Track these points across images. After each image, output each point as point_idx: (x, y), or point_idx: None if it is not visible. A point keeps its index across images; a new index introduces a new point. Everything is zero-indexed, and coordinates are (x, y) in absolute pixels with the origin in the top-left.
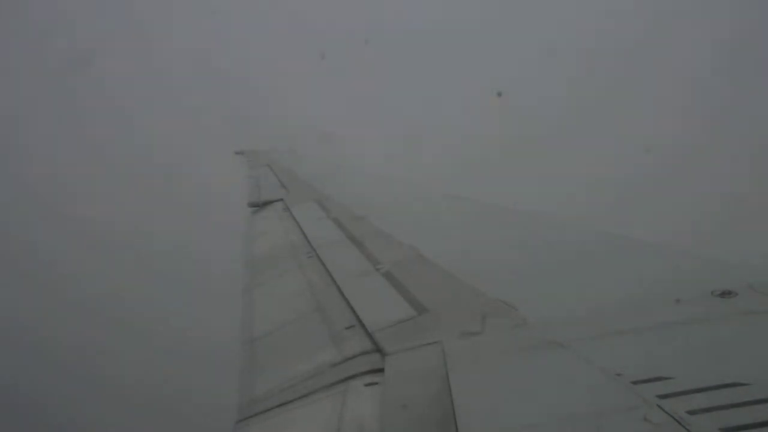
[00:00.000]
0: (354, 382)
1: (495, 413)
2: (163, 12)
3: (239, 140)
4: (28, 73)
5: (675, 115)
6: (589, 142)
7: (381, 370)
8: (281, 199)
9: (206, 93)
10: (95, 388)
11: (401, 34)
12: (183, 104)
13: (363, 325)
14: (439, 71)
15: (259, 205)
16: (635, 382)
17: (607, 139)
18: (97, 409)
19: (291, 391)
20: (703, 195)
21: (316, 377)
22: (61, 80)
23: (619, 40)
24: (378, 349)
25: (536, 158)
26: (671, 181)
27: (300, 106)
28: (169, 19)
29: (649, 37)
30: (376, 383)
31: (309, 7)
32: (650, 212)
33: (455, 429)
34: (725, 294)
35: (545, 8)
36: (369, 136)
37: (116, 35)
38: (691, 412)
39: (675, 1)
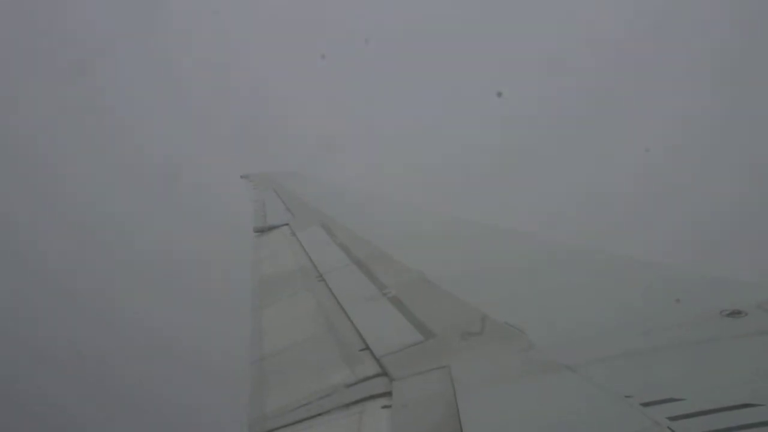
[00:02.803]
0: (370, 403)
1: None
2: (161, 11)
3: (238, 141)
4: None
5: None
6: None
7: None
8: (287, 224)
9: (206, 93)
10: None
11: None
12: (181, 106)
13: (370, 351)
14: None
15: (264, 230)
16: (645, 404)
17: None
18: None
19: (303, 409)
20: (706, 206)
21: (328, 397)
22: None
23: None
24: (386, 374)
25: (539, 168)
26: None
27: (300, 106)
28: (168, 18)
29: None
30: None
31: (309, 6)
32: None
33: None
34: (734, 314)
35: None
36: (368, 138)
37: (113, 38)
38: None
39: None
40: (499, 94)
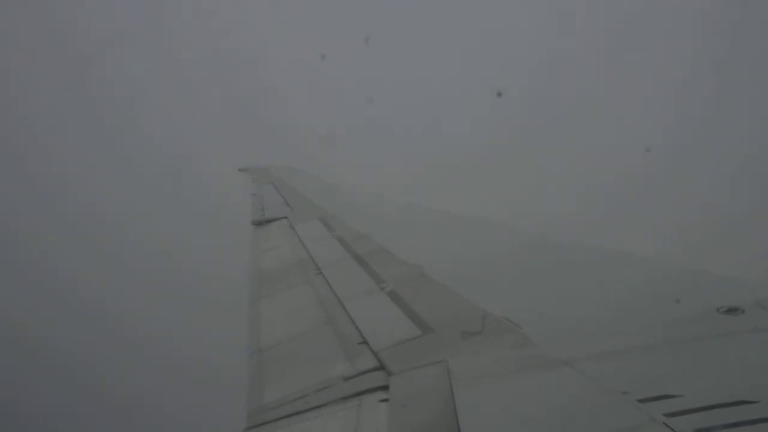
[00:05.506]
0: (368, 397)
1: None
2: (160, 11)
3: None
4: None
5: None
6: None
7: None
8: (285, 217)
9: (206, 88)
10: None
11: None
12: (180, 100)
13: (368, 344)
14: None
15: (262, 223)
16: (642, 401)
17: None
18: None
19: (301, 402)
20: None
21: (326, 390)
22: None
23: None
24: (384, 368)
25: (539, 166)
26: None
27: (300, 106)
28: (168, 15)
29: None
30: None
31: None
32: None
33: None
34: (732, 311)
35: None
36: (368, 136)
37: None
38: (699, 431)
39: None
40: (499, 94)
